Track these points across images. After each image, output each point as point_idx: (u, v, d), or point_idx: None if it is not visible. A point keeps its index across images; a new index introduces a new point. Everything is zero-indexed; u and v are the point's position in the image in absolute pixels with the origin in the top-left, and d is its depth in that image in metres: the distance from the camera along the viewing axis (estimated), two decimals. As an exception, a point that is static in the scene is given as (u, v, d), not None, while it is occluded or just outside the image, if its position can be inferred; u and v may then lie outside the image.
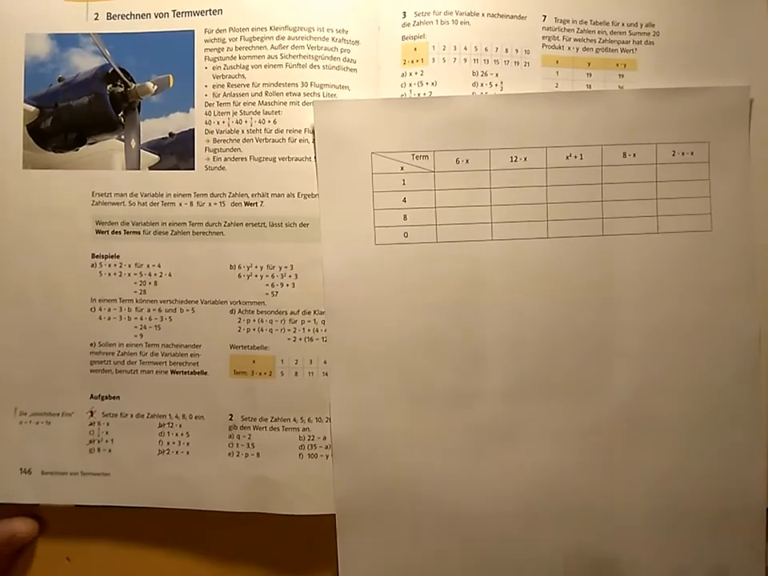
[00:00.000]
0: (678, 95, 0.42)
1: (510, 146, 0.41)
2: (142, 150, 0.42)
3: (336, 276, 0.41)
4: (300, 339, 0.42)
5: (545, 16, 0.43)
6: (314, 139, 0.41)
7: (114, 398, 0.43)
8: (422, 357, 0.41)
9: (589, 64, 0.43)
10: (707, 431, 0.41)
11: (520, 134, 0.41)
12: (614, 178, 0.42)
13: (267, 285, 0.42)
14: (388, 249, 0.41)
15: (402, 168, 0.41)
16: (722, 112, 0.42)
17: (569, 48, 0.43)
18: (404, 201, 0.41)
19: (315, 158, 0.41)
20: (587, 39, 0.43)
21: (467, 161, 0.41)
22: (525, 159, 0.41)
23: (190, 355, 0.42)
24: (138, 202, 0.42)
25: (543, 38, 0.43)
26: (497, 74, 0.42)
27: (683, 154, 0.42)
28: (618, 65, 0.43)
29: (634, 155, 0.42)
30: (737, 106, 0.42)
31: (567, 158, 0.42)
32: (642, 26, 0.43)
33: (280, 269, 0.42)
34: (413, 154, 0.41)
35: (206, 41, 0.42)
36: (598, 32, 0.43)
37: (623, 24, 0.43)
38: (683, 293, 0.42)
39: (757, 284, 0.42)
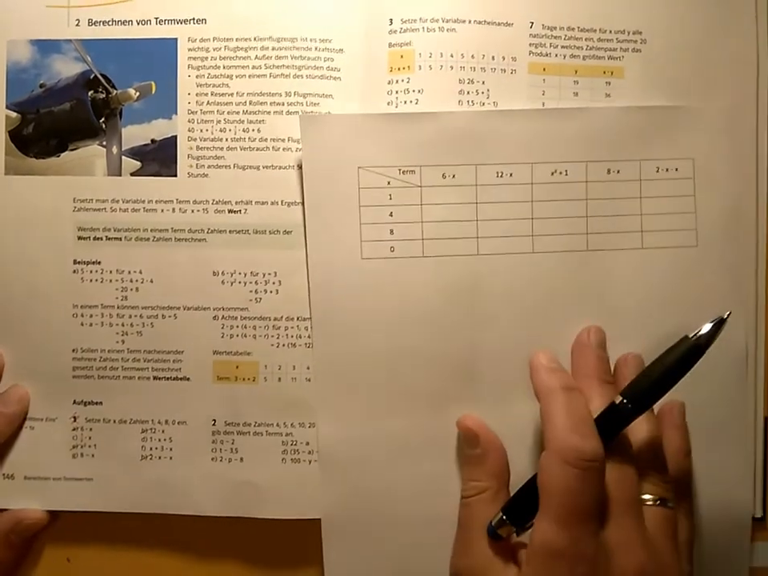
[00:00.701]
0: (662, 113, 0.42)
1: (495, 161, 0.41)
2: (123, 157, 0.42)
3: (322, 290, 0.41)
4: (283, 345, 0.42)
5: (532, 23, 0.42)
6: (298, 149, 0.41)
7: (96, 403, 0.43)
8: (409, 369, 0.41)
9: (576, 71, 0.43)
10: (694, 445, 0.41)
11: (506, 149, 0.41)
12: (598, 193, 0.42)
13: (251, 291, 0.42)
14: (374, 263, 0.41)
15: (389, 182, 0.41)
16: (706, 129, 0.42)
17: (556, 55, 0.43)
18: (390, 215, 0.41)
19: (301, 171, 0.41)
20: (574, 46, 0.43)
21: (454, 176, 0.41)
22: (511, 175, 0.41)
23: (173, 361, 0.42)
24: (120, 208, 0.42)
25: (530, 44, 0.42)
26: (483, 82, 0.42)
27: (667, 170, 0.42)
28: (604, 72, 0.43)
29: (618, 171, 0.42)
30: (721, 124, 0.42)
31: (552, 173, 0.41)
32: (629, 33, 0.43)
33: (263, 275, 0.42)
34: (399, 169, 0.41)
35: (189, 49, 0.42)
36: (585, 39, 0.43)
37: (610, 31, 0.43)
38: (669, 309, 0.42)
39: (743, 299, 0.43)
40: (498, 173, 0.41)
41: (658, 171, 0.42)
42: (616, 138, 0.42)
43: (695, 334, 0.34)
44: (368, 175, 0.41)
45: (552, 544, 0.33)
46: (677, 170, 0.42)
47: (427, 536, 0.41)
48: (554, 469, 0.34)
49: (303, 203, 0.41)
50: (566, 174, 0.42)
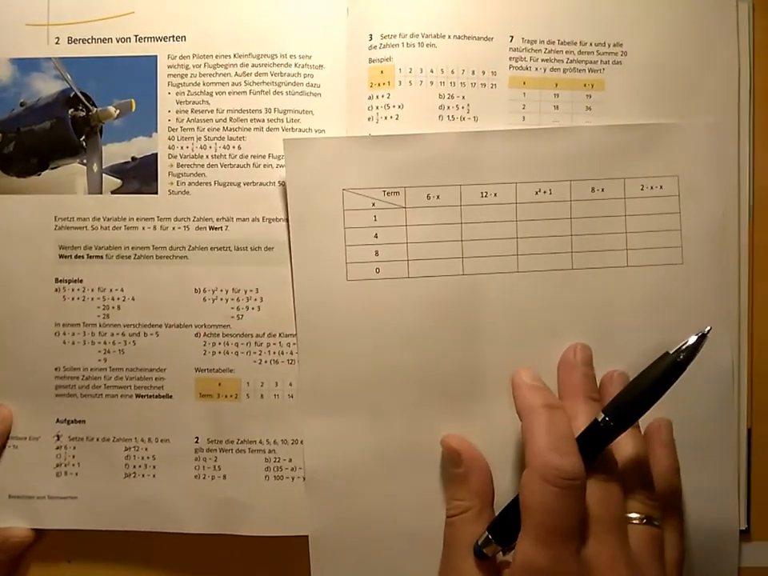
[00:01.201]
0: (646, 130, 0.42)
1: (480, 181, 0.41)
2: (104, 175, 0.42)
3: (308, 312, 0.41)
4: (265, 362, 0.42)
5: (512, 37, 0.42)
6: (279, 165, 0.41)
7: (79, 422, 0.43)
8: (395, 387, 0.41)
9: (556, 84, 0.43)
10: (681, 462, 0.40)
11: (490, 170, 0.41)
12: (582, 212, 0.42)
13: (232, 308, 0.42)
14: (360, 285, 0.41)
15: (374, 204, 0.41)
16: (691, 147, 0.42)
17: (536, 69, 0.42)
18: (375, 237, 0.41)
19: (282, 188, 0.41)
20: (554, 59, 0.43)
21: (438, 197, 0.41)
22: (495, 195, 0.41)
23: (155, 379, 0.42)
24: (101, 226, 0.42)
25: (510, 58, 0.42)
26: (463, 97, 0.42)
27: (652, 188, 0.42)
28: (585, 85, 0.43)
29: (602, 190, 0.42)
30: (706, 141, 0.42)
31: (536, 193, 0.41)
32: (609, 45, 0.43)
33: (245, 292, 0.42)
34: (384, 191, 0.41)
35: (169, 66, 0.42)
36: (566, 52, 0.43)
37: (591, 44, 0.43)
38: (655, 326, 0.42)
39: (728, 316, 0.42)
40: (482, 193, 0.41)
41: (642, 189, 0.42)
42: (600, 157, 0.42)
43: (676, 350, 0.34)
44: (353, 197, 0.41)
45: (533, 563, 0.33)
46: (661, 187, 0.42)
47: (416, 552, 0.41)
48: (534, 487, 0.34)
49: (288, 224, 0.41)
50: (550, 194, 0.42)
